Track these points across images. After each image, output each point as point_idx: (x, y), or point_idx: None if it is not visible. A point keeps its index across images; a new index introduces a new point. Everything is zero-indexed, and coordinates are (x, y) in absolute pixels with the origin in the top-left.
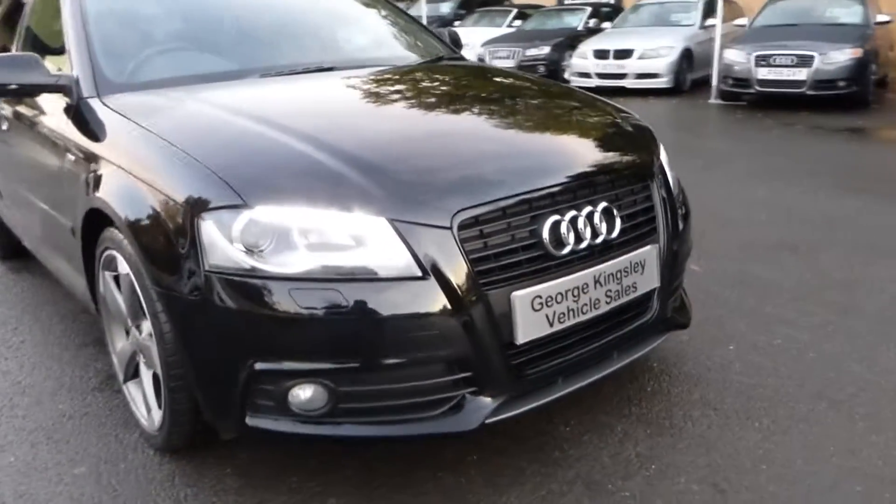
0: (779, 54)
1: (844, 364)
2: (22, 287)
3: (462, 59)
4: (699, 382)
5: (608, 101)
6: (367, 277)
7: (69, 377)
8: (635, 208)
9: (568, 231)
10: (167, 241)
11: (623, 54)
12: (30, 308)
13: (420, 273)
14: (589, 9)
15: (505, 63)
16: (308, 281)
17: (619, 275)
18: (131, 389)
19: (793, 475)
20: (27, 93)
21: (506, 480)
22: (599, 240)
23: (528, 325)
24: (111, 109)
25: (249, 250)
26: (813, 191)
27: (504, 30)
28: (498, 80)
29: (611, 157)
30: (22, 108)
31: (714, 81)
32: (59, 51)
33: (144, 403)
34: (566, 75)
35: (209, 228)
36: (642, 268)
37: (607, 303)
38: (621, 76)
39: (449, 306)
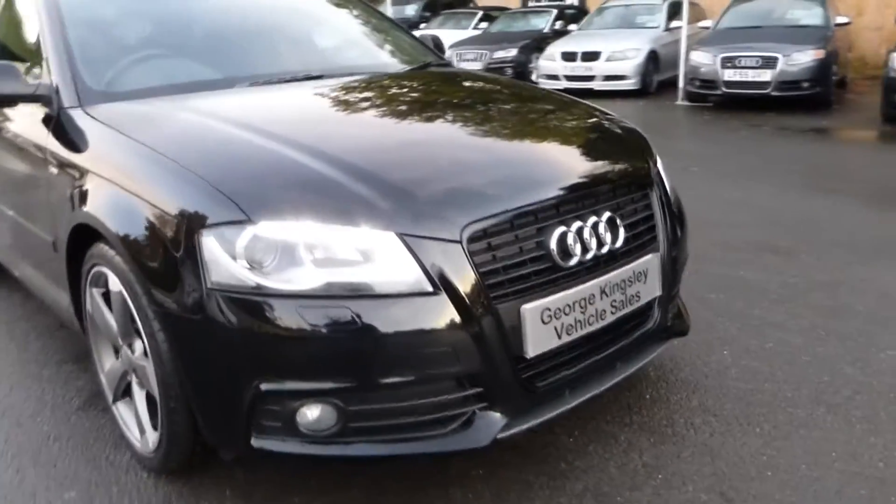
0: (744, 56)
1: (838, 367)
2: None
3: (448, 64)
4: (697, 389)
5: (602, 108)
6: (377, 294)
7: (50, 396)
8: (636, 217)
9: (575, 242)
10: (165, 259)
11: (591, 56)
12: (3, 324)
13: (431, 288)
14: (555, 11)
15: (472, 65)
16: (316, 298)
17: (623, 284)
18: (121, 410)
19: (797, 481)
20: (3, 103)
21: (514, 495)
22: (604, 250)
23: (538, 339)
24: (96, 120)
25: (253, 267)
26: (786, 191)
27: (470, 32)
28: (490, 87)
29: (612, 165)
30: None
31: (681, 83)
32: (23, 59)
33: (137, 424)
34: (534, 77)
35: (211, 245)
36: (645, 277)
37: (612, 313)
38: (589, 78)
39: (460, 321)
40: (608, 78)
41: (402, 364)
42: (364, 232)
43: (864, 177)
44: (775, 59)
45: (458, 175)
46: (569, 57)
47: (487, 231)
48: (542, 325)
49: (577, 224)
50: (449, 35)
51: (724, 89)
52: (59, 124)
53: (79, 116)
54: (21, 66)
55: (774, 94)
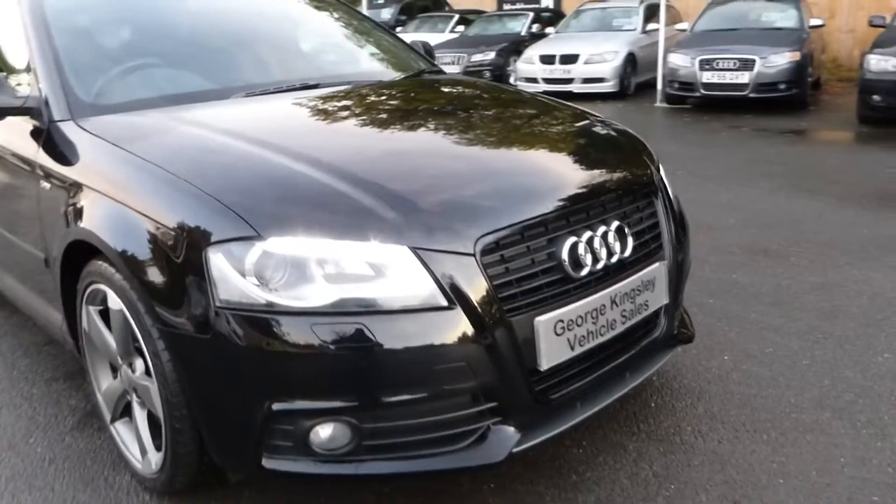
0: (722, 58)
1: (838, 370)
2: None
3: (441, 71)
4: (702, 395)
5: (602, 115)
6: (391, 309)
7: (42, 416)
8: (643, 225)
9: (585, 252)
10: (170, 276)
11: (569, 59)
12: None
13: (445, 302)
14: (531, 14)
15: (450, 69)
16: (329, 315)
17: (632, 294)
18: (120, 430)
19: (809, 489)
20: None
21: None
22: (614, 259)
23: (552, 351)
24: (90, 133)
25: (263, 284)
26: (772, 193)
27: (446, 35)
28: (490, 94)
29: (618, 173)
30: None
31: (659, 85)
32: (6, 70)
33: (138, 445)
34: (512, 80)
35: (219, 262)
36: (653, 285)
37: (622, 323)
38: (568, 81)
39: (476, 336)
40: (587, 80)
41: (418, 380)
42: (376, 246)
43: (847, 178)
44: (752, 61)
45: (468, 186)
46: (547, 60)
47: (500, 243)
48: (555, 337)
49: (587, 234)
50: (425, 39)
51: (703, 91)
52: (49, 138)
53: (70, 129)
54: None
55: (752, 95)
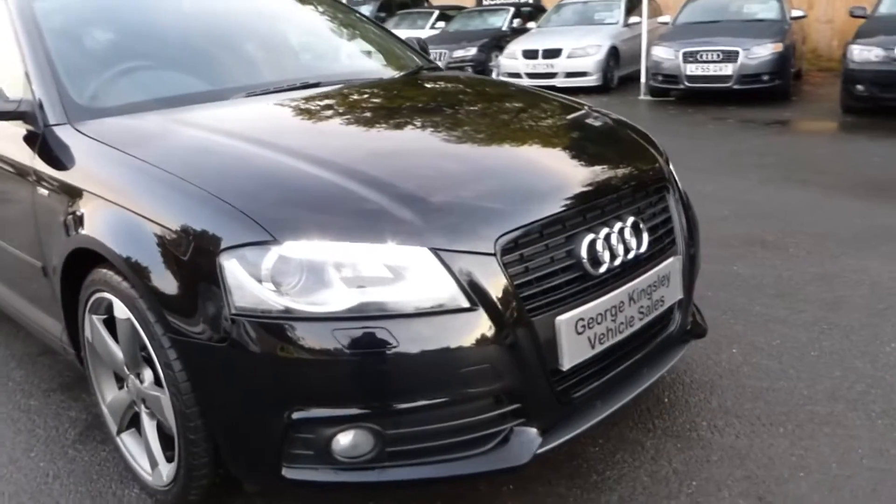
0: (705, 50)
1: (847, 361)
2: None
3: (438, 68)
4: (714, 389)
5: (608, 111)
6: (413, 312)
7: (42, 429)
8: (657, 220)
9: (603, 249)
10: (182, 284)
11: (552, 54)
12: None
13: (467, 304)
14: (512, 9)
15: None
16: (350, 320)
17: (649, 290)
18: (127, 442)
19: (831, 481)
20: None
21: None
22: (631, 255)
23: (573, 350)
24: (89, 137)
25: (280, 290)
26: (762, 184)
27: (427, 32)
28: (492, 91)
29: (631, 168)
30: None
31: (643, 78)
32: None
33: (148, 457)
34: (494, 75)
35: (234, 268)
36: (668, 280)
37: (640, 319)
38: (551, 75)
39: (499, 337)
40: (570, 75)
41: (441, 384)
42: (396, 248)
43: (835, 167)
44: (736, 53)
45: (484, 185)
46: (530, 54)
47: (519, 242)
48: (576, 336)
49: (604, 230)
50: (405, 35)
51: (687, 83)
52: (45, 143)
53: (68, 134)
54: None
55: (736, 87)
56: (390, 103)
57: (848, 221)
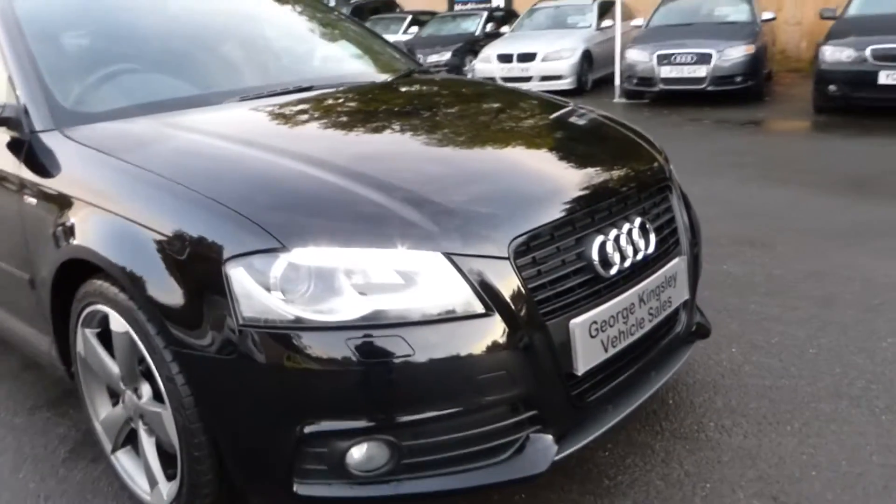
0: (679, 53)
1: (846, 357)
2: None
3: (429, 71)
4: (718, 389)
5: (607, 113)
6: (428, 319)
7: (30, 448)
8: (661, 220)
9: (613, 250)
10: (185, 294)
11: (526, 57)
12: None
13: (483, 309)
14: (485, 14)
15: None
16: (363, 328)
17: (657, 290)
18: (122, 460)
19: (843, 479)
20: None
21: None
22: (639, 256)
23: (588, 353)
24: (80, 143)
25: (290, 298)
26: (743, 183)
27: (400, 37)
28: (494, 94)
29: (634, 169)
30: None
31: (617, 81)
32: None
33: (146, 475)
34: None
35: (241, 277)
36: (675, 281)
37: (650, 321)
38: (526, 79)
39: (515, 342)
40: (545, 78)
41: (458, 392)
42: (408, 253)
43: (813, 166)
44: (709, 55)
45: (494, 187)
46: (505, 59)
47: (531, 245)
48: (590, 339)
49: (613, 232)
50: None
51: (662, 86)
52: (31, 150)
53: (56, 140)
54: None
55: (710, 88)
56: (389, 106)
57: (832, 218)
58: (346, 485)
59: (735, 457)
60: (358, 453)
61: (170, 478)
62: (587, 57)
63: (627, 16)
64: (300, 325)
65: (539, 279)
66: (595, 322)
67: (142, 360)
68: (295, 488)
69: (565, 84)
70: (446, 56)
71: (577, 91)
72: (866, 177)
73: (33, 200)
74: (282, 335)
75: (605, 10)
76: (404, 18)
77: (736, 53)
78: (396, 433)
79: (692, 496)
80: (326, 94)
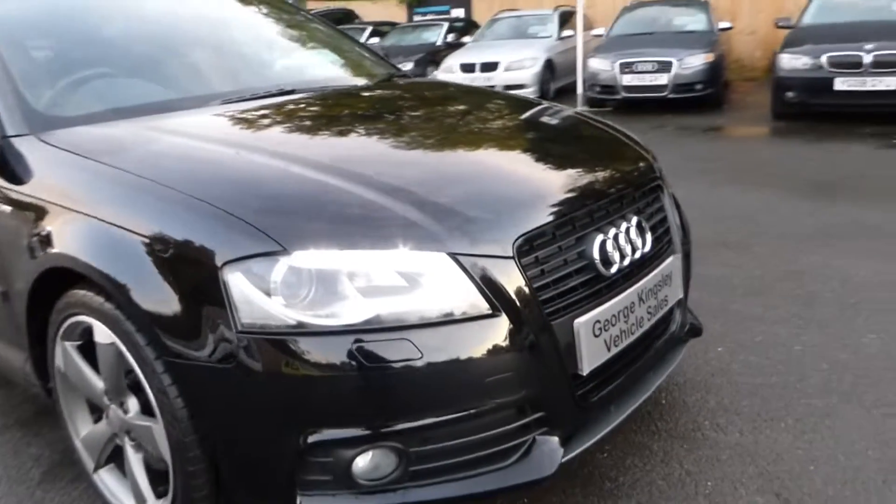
0: (640, 61)
1: (831, 354)
2: None
3: (408, 76)
4: (709, 388)
5: (596, 116)
6: (434, 321)
7: (2, 469)
8: (655, 219)
9: (613, 249)
10: (179, 301)
11: (489, 67)
12: None
13: (490, 310)
14: (446, 24)
15: None
16: (368, 332)
17: (655, 289)
18: (106, 479)
19: (842, 474)
20: None
21: None
22: (637, 255)
23: (592, 353)
24: (58, 148)
25: (290, 303)
26: (713, 188)
27: None
28: (475, 97)
29: (627, 168)
30: None
31: (579, 89)
32: None
33: (133, 494)
34: None
35: (239, 282)
36: (670, 279)
37: (648, 319)
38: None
39: (522, 343)
40: (508, 87)
41: (466, 395)
42: (413, 254)
43: (777, 170)
44: (670, 63)
45: (493, 187)
46: (467, 68)
47: (533, 244)
48: (594, 339)
49: (612, 230)
50: None
51: (624, 94)
52: (3, 156)
53: (30, 145)
54: None
55: (671, 96)
56: (379, 108)
57: (802, 221)
58: (352, 495)
59: (733, 454)
60: (364, 462)
61: (159, 495)
62: (549, 66)
63: (588, 26)
64: (303, 331)
65: (543, 279)
66: (598, 321)
67: (129, 372)
68: (299, 501)
69: (528, 93)
70: (408, 66)
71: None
72: (830, 181)
73: (6, 208)
74: (283, 341)
75: (566, 20)
76: (364, 29)
77: (696, 62)
78: (404, 439)
79: (695, 495)
80: (311, 97)
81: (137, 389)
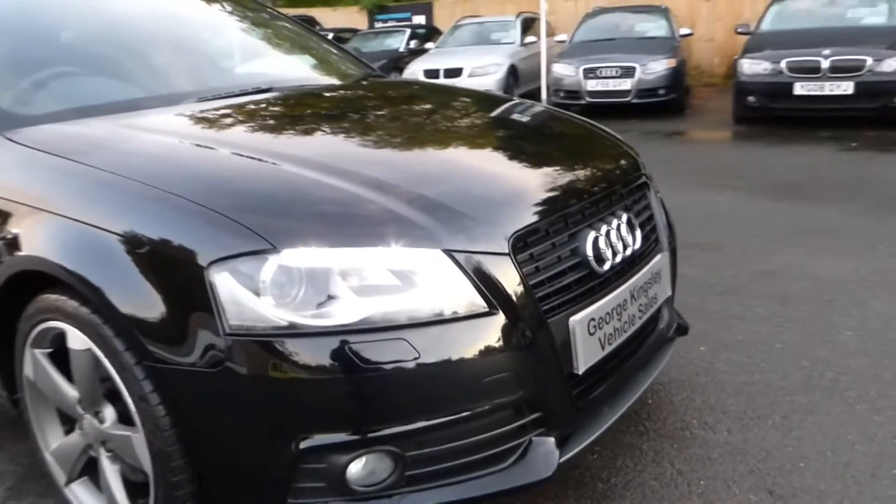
0: (604, 66)
1: (811, 351)
2: None
3: (383, 76)
4: (694, 387)
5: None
6: (431, 320)
7: None
8: (643, 216)
9: (606, 246)
10: (161, 303)
11: (453, 73)
12: None
13: (487, 308)
14: (408, 30)
15: None
16: (362, 332)
17: (645, 286)
18: (78, 492)
19: (832, 469)
20: None
21: None
22: (628, 252)
23: (587, 351)
24: (27, 147)
25: (281, 304)
26: (681, 190)
27: None
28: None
29: (617, 165)
30: None
31: (543, 95)
32: None
33: None
34: None
35: (226, 282)
36: (659, 277)
37: (640, 317)
38: None
39: (520, 341)
40: None
41: (465, 395)
42: (407, 252)
43: (742, 173)
44: (633, 68)
45: (485, 184)
46: (431, 74)
47: (528, 241)
48: (589, 337)
49: (604, 227)
50: None
51: (588, 99)
52: None
53: None
54: None
55: (635, 101)
56: (362, 106)
57: (770, 222)
58: (346, 502)
59: (723, 453)
60: (359, 467)
61: None
62: (513, 72)
63: (549, 32)
64: (294, 332)
65: (538, 276)
66: (593, 319)
67: (105, 379)
68: None
69: None
70: None
71: None
72: (793, 183)
73: None
74: (274, 343)
75: (528, 27)
76: (325, 35)
77: (658, 67)
78: (400, 443)
79: (689, 494)
80: (291, 95)
81: (114, 397)
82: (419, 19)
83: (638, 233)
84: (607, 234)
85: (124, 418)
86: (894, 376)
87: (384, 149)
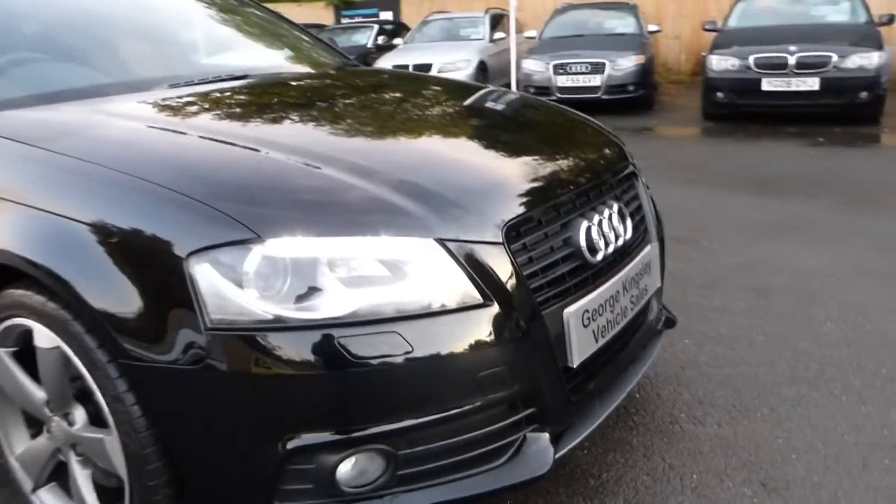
0: (574, 62)
1: (794, 343)
2: None
3: (359, 65)
4: (681, 381)
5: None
6: (425, 312)
7: None
8: (633, 206)
9: (598, 236)
10: (137, 298)
11: (422, 69)
12: None
13: (481, 299)
14: (376, 26)
15: None
16: (352, 325)
17: (636, 278)
18: (46, 499)
19: (823, 462)
20: None
21: None
22: (620, 242)
23: (582, 344)
24: None
25: (266, 296)
26: (654, 186)
27: None
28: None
29: (606, 154)
30: None
31: (514, 90)
32: None
33: None
34: None
35: (207, 273)
36: (650, 268)
37: (632, 309)
38: None
39: (514, 334)
40: None
41: (459, 391)
42: (399, 241)
43: (713, 168)
44: (603, 64)
45: (477, 173)
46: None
47: (521, 230)
48: (583, 329)
49: (596, 217)
50: None
51: (559, 94)
52: None
53: None
54: None
55: (605, 97)
56: (341, 92)
57: (745, 215)
58: None
59: (714, 446)
60: (349, 467)
61: None
62: (482, 68)
63: (518, 28)
64: (280, 325)
65: (531, 266)
66: (587, 311)
67: (75, 379)
68: None
69: None
70: None
71: None
72: (764, 177)
73: None
74: (259, 337)
75: (497, 23)
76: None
77: (627, 63)
78: (392, 441)
79: (682, 489)
80: (266, 81)
81: (85, 398)
82: (386, 15)
83: (629, 223)
84: (599, 224)
85: (96, 420)
86: (877, 367)
87: (368, 136)
